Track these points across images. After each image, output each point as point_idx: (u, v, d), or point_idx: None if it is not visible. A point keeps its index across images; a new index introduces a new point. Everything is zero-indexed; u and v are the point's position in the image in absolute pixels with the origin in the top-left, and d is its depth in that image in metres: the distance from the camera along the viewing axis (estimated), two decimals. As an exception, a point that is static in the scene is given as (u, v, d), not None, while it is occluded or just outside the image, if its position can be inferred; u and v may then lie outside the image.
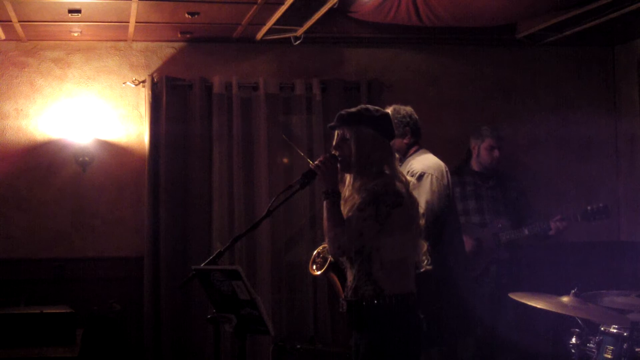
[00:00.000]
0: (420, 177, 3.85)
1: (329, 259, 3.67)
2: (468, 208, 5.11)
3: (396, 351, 3.05)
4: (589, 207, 4.89)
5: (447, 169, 4.00)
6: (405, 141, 4.05)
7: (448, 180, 3.97)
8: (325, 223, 3.11)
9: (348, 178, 3.24)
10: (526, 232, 5.01)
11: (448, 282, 3.82)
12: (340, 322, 5.19)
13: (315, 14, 5.01)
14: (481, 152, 5.21)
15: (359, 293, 3.11)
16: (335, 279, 3.66)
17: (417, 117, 4.10)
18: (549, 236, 5.01)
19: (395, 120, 3.97)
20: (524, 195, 5.29)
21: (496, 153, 5.19)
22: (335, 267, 3.62)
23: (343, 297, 3.22)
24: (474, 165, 5.26)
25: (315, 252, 3.85)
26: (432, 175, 3.88)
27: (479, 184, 5.20)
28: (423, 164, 3.94)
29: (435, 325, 3.54)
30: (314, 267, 3.81)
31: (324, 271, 3.73)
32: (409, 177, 3.51)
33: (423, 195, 3.78)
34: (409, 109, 4.09)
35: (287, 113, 5.80)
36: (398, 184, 3.14)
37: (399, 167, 3.25)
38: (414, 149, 4.07)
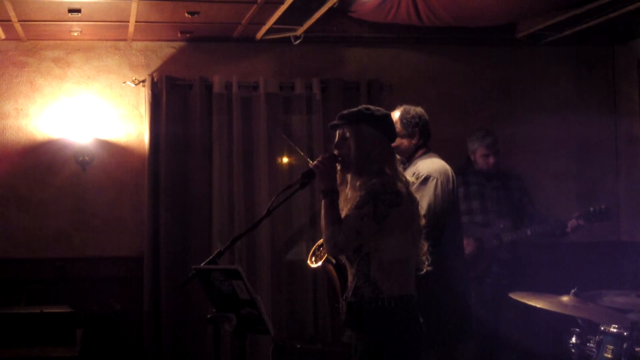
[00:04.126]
0: (425, 179, 3.80)
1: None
2: (472, 207, 5.11)
3: (394, 353, 3.04)
4: (591, 208, 4.89)
5: (453, 174, 3.94)
6: (413, 142, 3.96)
7: (454, 185, 3.91)
8: (322, 221, 3.11)
9: (348, 178, 3.24)
10: (529, 232, 5.01)
11: (448, 283, 3.81)
12: (336, 318, 5.19)
13: (315, 13, 5.01)
14: (477, 159, 5.22)
15: (358, 294, 3.10)
16: (333, 272, 3.65)
17: (427, 118, 4.00)
18: (565, 233, 4.99)
19: (404, 120, 3.94)
20: (527, 194, 5.29)
21: (491, 159, 5.17)
22: (336, 263, 3.60)
23: (344, 297, 3.22)
24: (476, 166, 5.25)
25: (316, 244, 3.83)
26: (437, 179, 3.81)
27: (483, 183, 5.19)
28: (430, 167, 3.87)
29: (434, 327, 3.53)
30: (313, 258, 3.79)
31: (321, 263, 3.71)
32: (411, 178, 3.50)
33: (426, 198, 3.75)
34: (419, 109, 4.00)
35: (287, 113, 5.80)
36: (398, 183, 3.14)
37: (400, 167, 3.25)
38: (421, 151, 3.99)
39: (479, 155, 5.18)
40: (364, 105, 3.27)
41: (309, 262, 3.83)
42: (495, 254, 5.02)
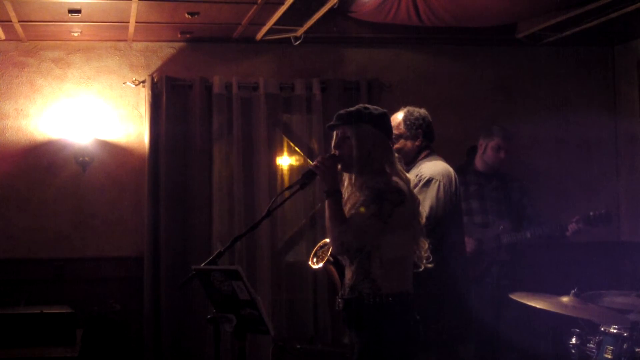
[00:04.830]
0: (428, 182, 3.79)
1: (330, 252, 3.65)
2: (471, 208, 5.10)
3: (392, 350, 3.06)
4: (591, 213, 4.88)
5: (456, 176, 3.94)
6: (417, 143, 3.94)
7: (456, 187, 3.90)
8: (327, 222, 3.12)
9: (347, 178, 3.25)
10: (528, 235, 5.00)
11: (449, 284, 3.80)
12: (337, 319, 5.19)
13: (315, 14, 5.01)
14: (487, 150, 5.19)
15: (356, 291, 3.12)
16: (334, 272, 3.65)
17: (430, 120, 3.99)
18: (565, 237, 4.99)
19: (408, 122, 3.94)
20: (527, 195, 5.28)
21: (502, 154, 5.16)
22: (337, 262, 3.61)
23: (340, 294, 3.22)
24: (478, 164, 5.24)
25: (318, 245, 3.83)
26: (440, 181, 3.80)
27: (483, 184, 5.19)
28: (433, 170, 3.86)
29: (435, 327, 3.53)
30: (315, 259, 3.79)
31: (323, 264, 3.72)
32: (411, 177, 3.50)
33: (428, 200, 3.74)
34: (423, 111, 3.99)
35: (287, 113, 5.80)
36: (400, 182, 3.16)
37: (399, 165, 3.25)
38: (425, 152, 3.96)
39: (492, 146, 5.15)
40: (361, 105, 3.28)
41: (310, 263, 3.83)
42: (494, 256, 5.02)
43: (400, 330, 3.08)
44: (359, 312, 3.10)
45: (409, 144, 3.94)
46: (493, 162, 5.18)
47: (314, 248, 3.92)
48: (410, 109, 3.99)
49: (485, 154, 5.20)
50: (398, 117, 3.95)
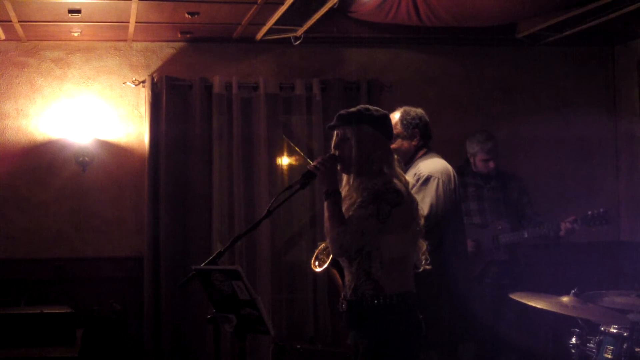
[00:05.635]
0: (427, 179, 3.79)
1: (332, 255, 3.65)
2: (470, 209, 5.10)
3: (396, 350, 3.06)
4: (589, 212, 4.88)
5: (454, 173, 3.94)
6: (413, 143, 3.95)
7: (455, 184, 3.91)
8: (326, 223, 3.11)
9: (345, 177, 3.25)
10: (525, 235, 5.00)
11: (448, 283, 3.81)
12: (340, 321, 5.20)
13: (315, 14, 5.01)
14: (477, 163, 5.21)
15: (358, 292, 3.11)
16: (337, 275, 3.65)
17: (427, 119, 4.00)
18: (559, 237, 4.99)
19: (405, 122, 3.95)
20: (526, 194, 5.28)
21: (491, 164, 5.16)
22: (337, 263, 3.61)
23: (343, 296, 3.22)
24: (474, 168, 5.25)
25: (318, 248, 3.84)
26: (438, 179, 3.81)
27: (481, 185, 5.19)
28: (431, 167, 3.87)
29: (434, 327, 3.53)
30: (316, 263, 3.79)
31: (326, 267, 3.71)
32: (409, 179, 3.50)
33: (428, 198, 3.74)
34: (419, 110, 4.00)
35: (287, 113, 5.80)
36: (398, 183, 3.15)
37: (397, 166, 3.25)
38: (422, 151, 3.98)
39: (479, 159, 5.18)
40: (362, 106, 3.28)
41: (312, 266, 3.83)
42: (492, 255, 5.02)
43: (403, 330, 3.08)
44: (362, 313, 3.10)
45: (405, 143, 3.95)
46: (485, 172, 5.19)
47: (314, 249, 3.92)
48: (407, 108, 4.00)
49: (476, 166, 5.22)
50: (395, 117, 3.95)
